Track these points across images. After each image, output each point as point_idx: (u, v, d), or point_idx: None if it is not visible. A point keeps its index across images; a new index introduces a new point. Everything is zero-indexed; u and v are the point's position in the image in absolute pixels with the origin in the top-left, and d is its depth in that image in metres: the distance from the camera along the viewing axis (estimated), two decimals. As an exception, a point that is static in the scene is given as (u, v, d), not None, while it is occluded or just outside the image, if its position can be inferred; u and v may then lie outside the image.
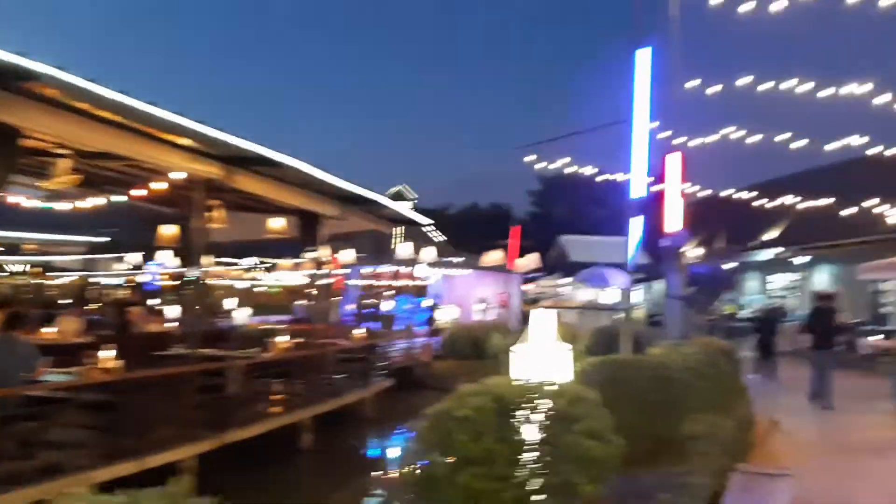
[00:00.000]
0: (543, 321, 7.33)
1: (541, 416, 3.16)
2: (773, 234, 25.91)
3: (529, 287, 22.64)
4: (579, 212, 34.60)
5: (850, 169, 26.15)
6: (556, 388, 3.49)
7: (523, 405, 3.17)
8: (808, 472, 7.11)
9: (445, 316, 19.53)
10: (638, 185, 7.56)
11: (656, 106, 12.83)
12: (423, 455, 3.09)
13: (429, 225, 18.98)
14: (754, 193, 21.58)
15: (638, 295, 27.05)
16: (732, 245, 25.50)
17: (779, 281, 26.42)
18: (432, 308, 20.38)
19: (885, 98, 13.14)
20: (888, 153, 16.25)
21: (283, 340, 10.03)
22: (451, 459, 3.01)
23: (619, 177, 18.35)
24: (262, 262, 23.61)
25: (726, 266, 9.78)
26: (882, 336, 16.58)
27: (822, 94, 13.39)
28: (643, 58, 7.11)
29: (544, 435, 3.10)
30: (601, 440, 3.24)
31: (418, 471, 3.07)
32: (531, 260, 19.12)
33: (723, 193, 19.91)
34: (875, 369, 16.32)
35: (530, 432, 3.05)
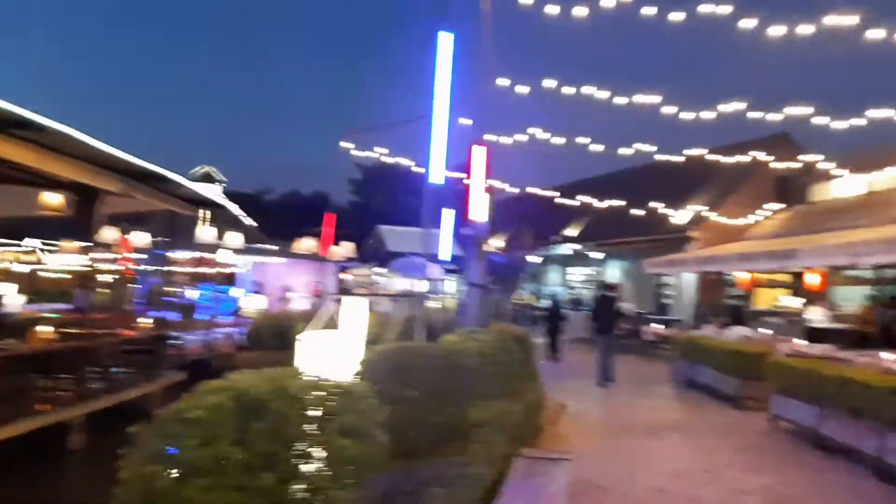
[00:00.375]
0: (354, 309, 7.06)
1: (294, 414, 2.74)
2: (573, 230, 27.72)
3: (347, 276, 22.14)
4: (398, 202, 34.78)
5: (640, 173, 28.78)
6: (319, 381, 3.09)
7: (272, 403, 2.73)
8: (591, 453, 7.40)
9: (253, 305, 18.42)
10: (436, 172, 7.37)
11: (465, 99, 12.96)
12: (143, 466, 2.54)
13: (236, 209, 17.71)
14: (557, 193, 22.97)
15: (451, 285, 27.63)
16: (538, 239, 26.89)
17: (577, 274, 28.36)
18: (240, 297, 19.16)
19: (671, 109, 14.44)
20: (673, 159, 17.96)
21: (44, 331, 8.65)
22: (173, 470, 2.49)
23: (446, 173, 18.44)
24: (45, 244, 20.82)
25: (524, 257, 10.06)
26: (662, 325, 18.26)
27: (617, 100, 14.39)
28: (445, 42, 6.94)
29: (295, 435, 2.68)
30: (359, 437, 2.87)
31: (137, 484, 2.52)
32: (346, 248, 18.62)
33: (530, 190, 20.86)
34: (657, 355, 17.99)
35: (277, 433, 2.62)
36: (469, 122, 12.69)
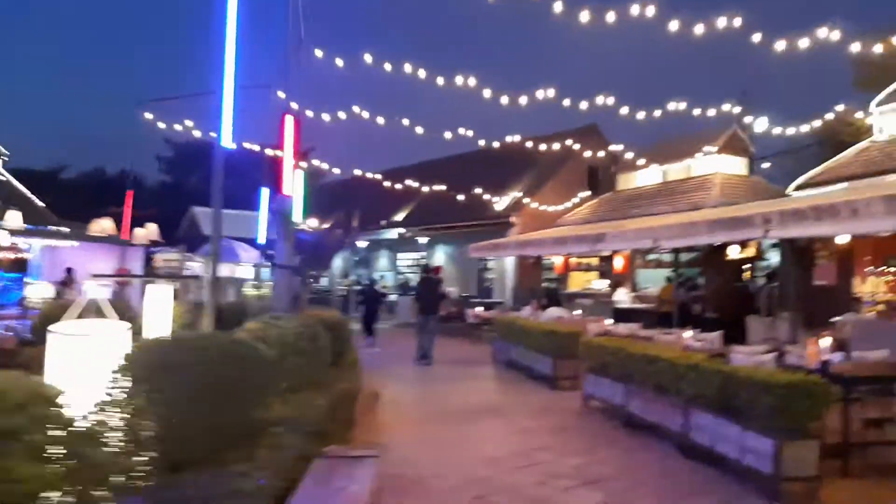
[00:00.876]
0: (157, 298, 5.95)
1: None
2: (400, 215, 27.46)
3: (158, 261, 19.98)
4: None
5: (465, 160, 29.17)
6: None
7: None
8: (406, 443, 6.91)
9: (39, 294, 15.94)
10: (226, 136, 6.44)
11: (280, 71, 11.95)
12: None
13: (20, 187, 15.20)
14: (381, 177, 22.43)
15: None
16: (366, 224, 26.27)
17: (406, 259, 28.18)
18: (26, 285, 16.55)
19: (488, 93, 14.35)
20: (494, 146, 18.10)
21: None
22: None
23: (256, 148, 17.10)
24: None
25: (342, 238, 9.38)
26: (483, 308, 18.48)
27: (439, 81, 14.06)
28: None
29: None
30: (46, 461, 2.04)
31: None
32: (151, 231, 16.68)
33: (357, 173, 20.13)
34: (480, 337, 18.17)
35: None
36: (282, 94, 11.71)
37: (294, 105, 13.16)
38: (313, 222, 8.99)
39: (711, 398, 6.01)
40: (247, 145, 16.30)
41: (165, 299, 5.97)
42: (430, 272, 14.05)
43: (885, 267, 14.09)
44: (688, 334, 9.21)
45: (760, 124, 17.43)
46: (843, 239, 13.35)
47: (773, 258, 17.65)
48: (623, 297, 18.57)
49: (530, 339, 11.16)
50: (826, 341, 6.20)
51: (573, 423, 8.06)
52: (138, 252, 18.65)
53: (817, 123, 15.16)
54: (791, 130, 14.92)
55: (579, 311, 14.88)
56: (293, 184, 8.90)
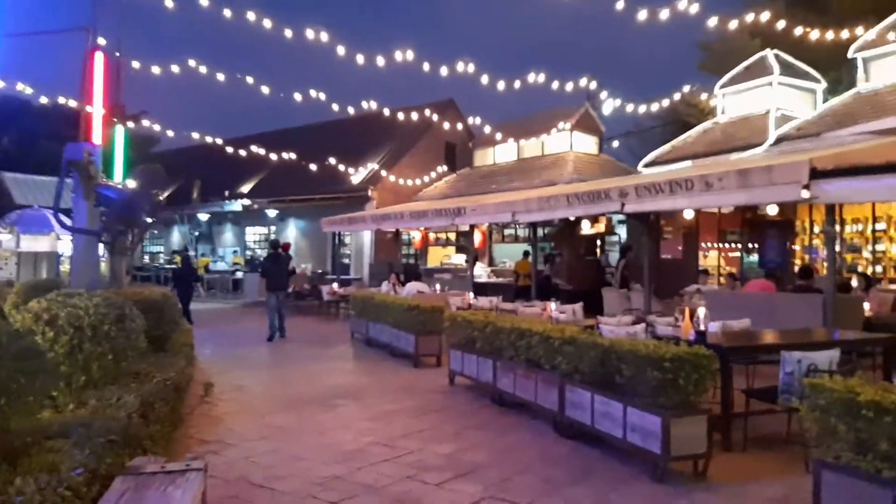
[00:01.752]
0: None
1: None
2: (247, 186, 25.43)
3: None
4: (34, 146, 28.12)
5: (319, 130, 27.58)
6: None
7: None
8: (250, 438, 5.79)
9: None
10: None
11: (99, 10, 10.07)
12: None
13: None
14: (221, 142, 20.40)
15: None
16: (209, 194, 24.04)
17: (254, 234, 26.25)
18: None
19: (342, 50, 13.12)
20: (351, 111, 16.90)
21: None
22: None
23: (76, 106, 14.68)
24: None
25: (157, 197, 7.87)
26: (339, 284, 17.37)
27: (287, 33, 12.62)
28: None
29: None
30: None
31: None
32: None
33: (195, 136, 18.05)
34: (336, 314, 17.06)
35: None
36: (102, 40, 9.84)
37: (117, 53, 11.24)
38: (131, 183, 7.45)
39: (590, 373, 5.50)
40: (64, 100, 13.88)
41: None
42: (279, 248, 13.39)
43: (722, 243, 14.81)
44: (553, 306, 8.81)
45: (609, 105, 17.79)
46: (689, 214, 13.80)
47: (623, 234, 18.17)
48: (481, 272, 18.29)
49: (390, 316, 10.31)
50: (702, 311, 5.89)
51: (440, 403, 7.32)
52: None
53: (665, 104, 15.58)
54: (642, 108, 15.16)
55: (439, 286, 14.28)
56: (102, 133, 7.35)
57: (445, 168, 23.13)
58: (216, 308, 19.16)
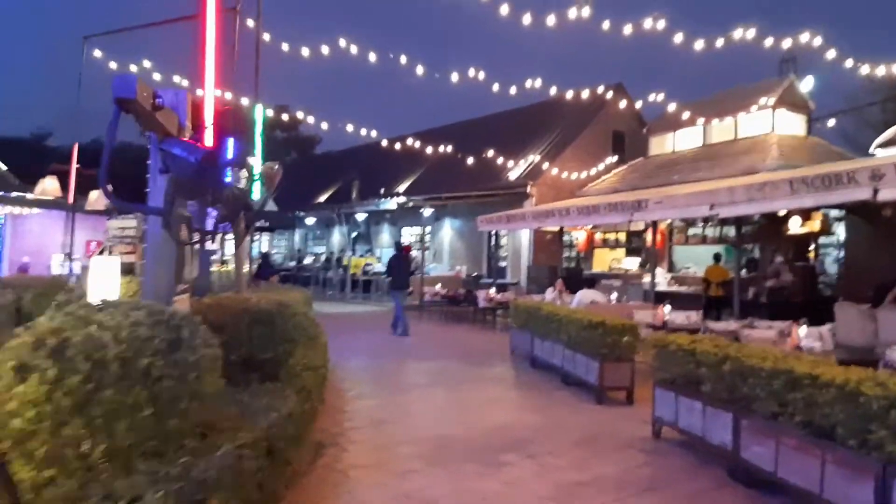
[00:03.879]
0: (102, 273, 5.05)
1: None
2: (403, 185, 24.33)
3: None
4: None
5: (473, 126, 25.88)
6: None
7: None
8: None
9: None
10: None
11: None
12: None
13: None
14: (385, 142, 19.23)
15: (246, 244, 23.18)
16: (365, 194, 23.20)
17: (410, 233, 25.11)
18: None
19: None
20: (513, 92, 14.83)
21: None
22: None
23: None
24: None
25: (242, 156, 6.34)
26: (496, 289, 15.42)
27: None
28: None
29: None
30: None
31: None
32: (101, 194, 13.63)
33: (354, 133, 16.94)
34: (492, 323, 15.12)
35: None
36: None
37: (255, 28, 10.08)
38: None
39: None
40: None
41: (111, 274, 5.03)
42: (402, 250, 13.88)
43: None
44: (803, 330, 6.11)
45: (808, 82, 14.19)
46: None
47: (841, 234, 14.49)
48: (659, 279, 15.40)
49: (563, 333, 8.06)
50: None
51: (648, 472, 4.97)
52: (101, 220, 15.64)
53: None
54: (865, 70, 11.49)
55: (615, 295, 11.78)
56: (217, 112, 5.89)
57: (615, 159, 20.34)
58: (364, 312, 18.00)
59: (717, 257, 13.65)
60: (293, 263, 28.52)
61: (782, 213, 12.95)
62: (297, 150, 34.88)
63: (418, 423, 6.32)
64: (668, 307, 8.82)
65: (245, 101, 11.55)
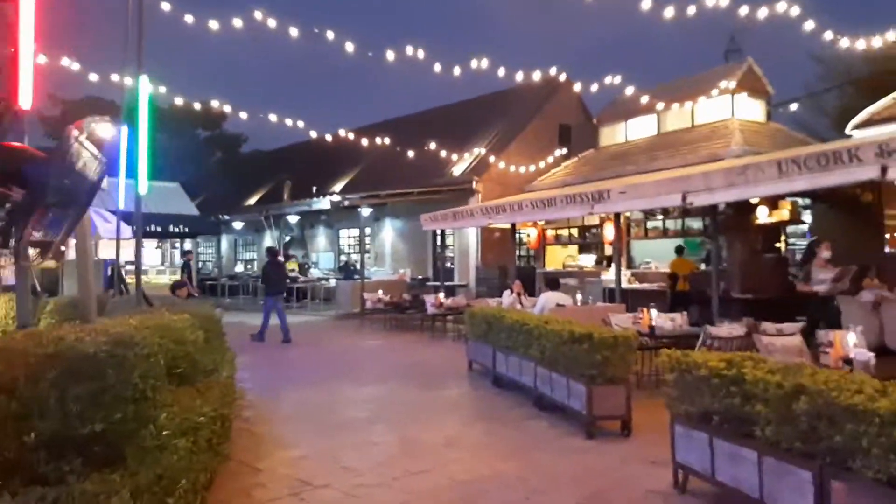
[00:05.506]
0: None
1: None
2: (339, 184, 22.42)
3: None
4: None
5: (413, 120, 24.21)
6: None
7: None
8: None
9: None
10: None
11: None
12: None
13: None
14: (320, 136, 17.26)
15: (155, 254, 20.83)
16: (298, 193, 21.16)
17: (347, 237, 23.20)
18: None
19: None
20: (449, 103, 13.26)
21: None
22: None
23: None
24: None
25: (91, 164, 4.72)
26: (443, 294, 13.77)
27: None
28: None
29: None
30: None
31: None
32: None
33: (288, 123, 14.94)
34: (443, 331, 13.46)
35: None
36: None
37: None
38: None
39: None
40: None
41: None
42: (277, 255, 13.65)
43: None
44: (851, 337, 4.71)
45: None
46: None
47: (809, 220, 13.57)
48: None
49: (536, 347, 6.47)
50: None
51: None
52: None
53: (878, 42, 10.86)
54: (845, 43, 10.49)
55: (580, 296, 10.33)
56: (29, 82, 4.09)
57: (564, 151, 19.07)
58: (298, 322, 16.05)
59: (679, 250, 12.47)
60: (216, 272, 26.15)
61: (755, 201, 11.85)
62: (222, 150, 32.23)
63: (357, 487, 4.57)
64: (654, 310, 7.35)
65: (123, 79, 9.49)
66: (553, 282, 9.55)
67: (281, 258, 14.13)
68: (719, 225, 13.39)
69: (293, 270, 19.86)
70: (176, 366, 4.27)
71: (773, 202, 12.62)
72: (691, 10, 9.53)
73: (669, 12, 9.45)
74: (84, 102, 24.27)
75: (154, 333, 3.76)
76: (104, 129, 4.13)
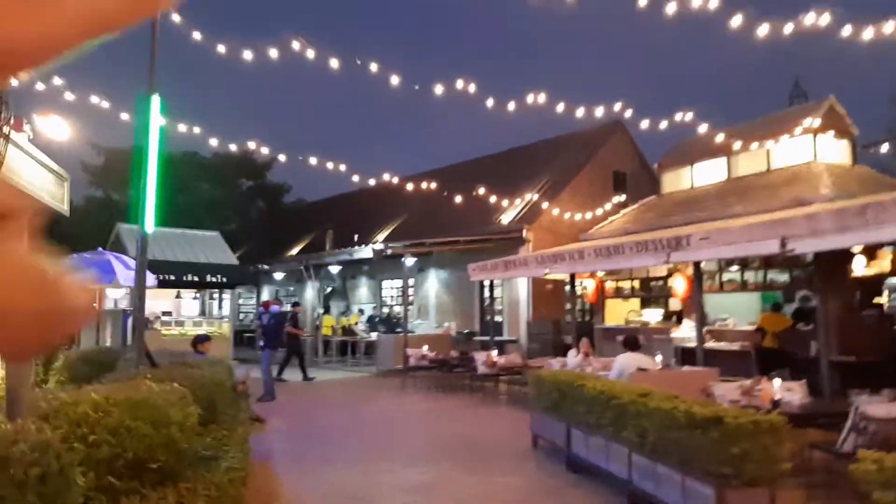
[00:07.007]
0: None
1: None
2: (382, 234, 21.38)
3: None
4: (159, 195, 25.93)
5: (459, 170, 23.23)
6: None
7: None
8: None
9: None
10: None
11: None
12: None
13: None
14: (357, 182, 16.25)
15: (193, 305, 19.85)
16: (340, 244, 20.13)
17: (390, 288, 21.99)
18: None
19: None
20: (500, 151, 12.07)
21: None
22: None
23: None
24: None
25: None
26: (496, 351, 12.29)
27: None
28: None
29: None
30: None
31: None
32: None
33: (331, 177, 13.99)
34: (495, 393, 11.92)
35: None
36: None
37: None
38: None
39: None
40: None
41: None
42: (266, 308, 13.30)
43: None
44: None
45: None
46: None
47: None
48: (689, 333, 12.43)
49: (633, 427, 4.98)
50: None
51: None
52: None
53: None
54: None
55: (660, 357, 8.74)
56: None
57: (623, 198, 17.65)
58: (333, 380, 14.67)
59: (776, 306, 10.80)
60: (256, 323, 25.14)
61: (856, 250, 10.19)
62: (265, 200, 31.76)
63: None
64: (777, 380, 5.77)
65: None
66: (632, 341, 8.01)
67: (275, 307, 13.21)
68: (809, 278, 11.69)
69: (331, 327, 18.71)
70: (152, 458, 2.98)
71: (870, 252, 10.93)
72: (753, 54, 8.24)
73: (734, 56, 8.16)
74: (126, 152, 24.03)
75: (124, 414, 2.52)
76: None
